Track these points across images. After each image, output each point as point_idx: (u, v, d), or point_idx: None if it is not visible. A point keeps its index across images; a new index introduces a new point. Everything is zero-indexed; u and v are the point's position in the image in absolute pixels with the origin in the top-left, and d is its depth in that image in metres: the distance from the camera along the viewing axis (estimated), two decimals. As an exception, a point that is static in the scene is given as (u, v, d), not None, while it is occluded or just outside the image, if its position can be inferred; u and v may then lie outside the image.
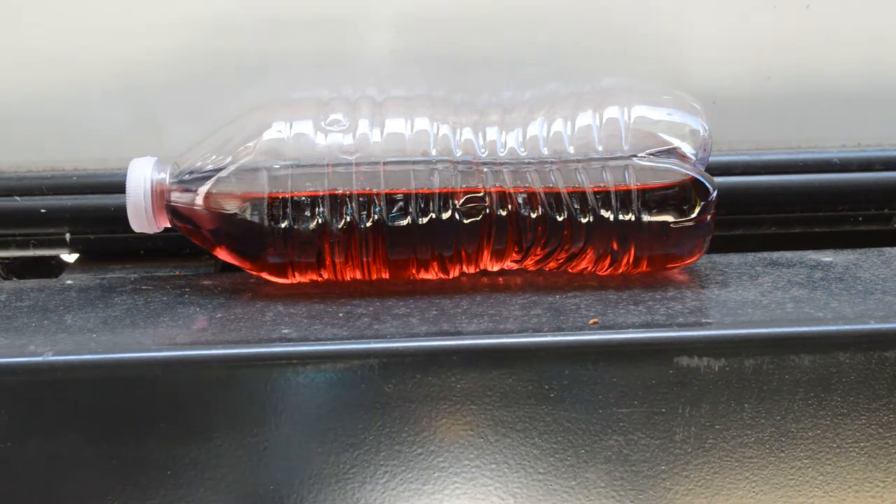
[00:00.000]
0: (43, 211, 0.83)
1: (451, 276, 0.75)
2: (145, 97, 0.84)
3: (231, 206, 0.73)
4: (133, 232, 0.76)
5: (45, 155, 0.84)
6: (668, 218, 0.73)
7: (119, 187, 0.76)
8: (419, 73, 0.84)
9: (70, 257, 0.86)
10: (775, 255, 0.79)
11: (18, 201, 0.83)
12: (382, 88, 0.78)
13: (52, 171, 0.84)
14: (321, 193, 0.72)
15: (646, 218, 0.73)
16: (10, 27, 0.83)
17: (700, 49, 0.85)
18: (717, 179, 0.75)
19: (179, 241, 0.77)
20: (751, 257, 0.79)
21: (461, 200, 0.73)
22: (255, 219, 0.73)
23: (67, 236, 0.84)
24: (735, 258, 0.79)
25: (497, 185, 0.73)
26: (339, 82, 0.82)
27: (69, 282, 0.79)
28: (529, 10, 0.84)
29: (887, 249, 0.80)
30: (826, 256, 0.79)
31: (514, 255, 0.74)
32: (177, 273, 0.81)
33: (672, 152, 0.73)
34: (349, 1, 0.83)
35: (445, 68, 0.84)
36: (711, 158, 0.75)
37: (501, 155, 0.74)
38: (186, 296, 0.75)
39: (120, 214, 0.76)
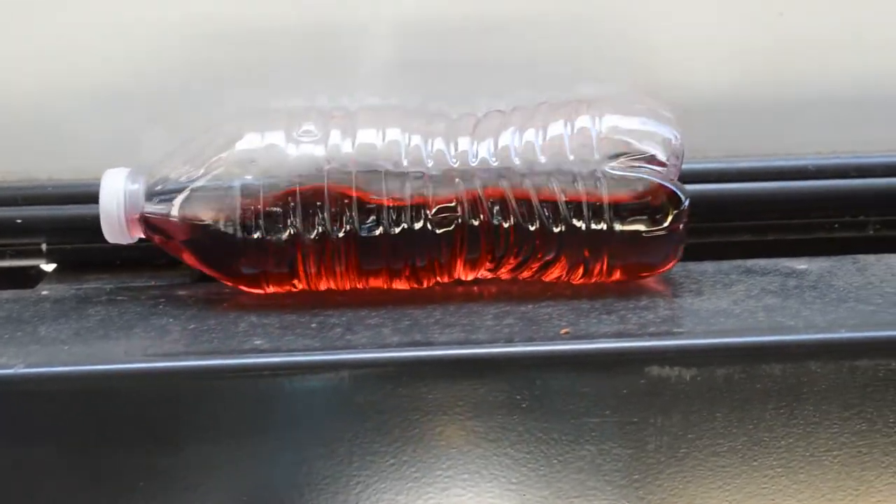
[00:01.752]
0: (19, 221, 0.83)
1: (424, 286, 0.75)
2: (122, 106, 0.84)
3: (204, 218, 0.73)
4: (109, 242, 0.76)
5: (19, 165, 0.84)
6: (640, 227, 0.73)
7: (95, 197, 0.75)
8: (399, 81, 0.84)
9: (48, 267, 0.86)
10: (750, 262, 0.79)
11: (-7, 212, 0.83)
12: (356, 98, 0.78)
13: (28, 182, 0.84)
14: (293, 204, 0.72)
15: (618, 227, 0.73)
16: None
17: (673, 57, 0.84)
18: (692, 187, 0.75)
19: (156, 250, 0.77)
20: (726, 265, 0.79)
21: (433, 210, 0.73)
22: (229, 230, 0.73)
23: (44, 246, 0.83)
24: (710, 266, 0.79)
25: (469, 195, 0.73)
26: (318, 90, 0.82)
27: (45, 292, 0.79)
28: (507, 17, 0.84)
29: (862, 256, 0.80)
30: (801, 264, 0.79)
31: (487, 264, 0.74)
32: (153, 283, 0.81)
33: (644, 161, 0.73)
34: (328, 9, 0.83)
35: (422, 74, 0.84)
36: (686, 166, 0.75)
37: (473, 165, 0.74)
38: (161, 306, 0.76)
39: (96, 224, 0.75)
